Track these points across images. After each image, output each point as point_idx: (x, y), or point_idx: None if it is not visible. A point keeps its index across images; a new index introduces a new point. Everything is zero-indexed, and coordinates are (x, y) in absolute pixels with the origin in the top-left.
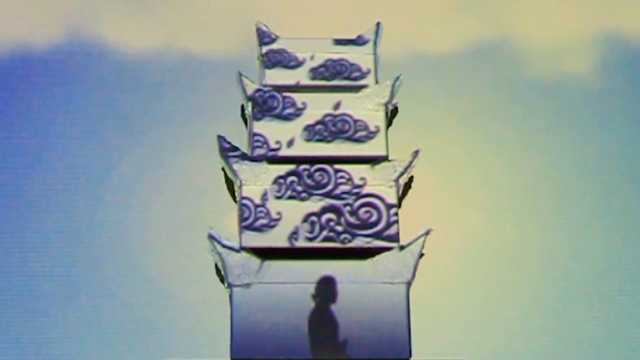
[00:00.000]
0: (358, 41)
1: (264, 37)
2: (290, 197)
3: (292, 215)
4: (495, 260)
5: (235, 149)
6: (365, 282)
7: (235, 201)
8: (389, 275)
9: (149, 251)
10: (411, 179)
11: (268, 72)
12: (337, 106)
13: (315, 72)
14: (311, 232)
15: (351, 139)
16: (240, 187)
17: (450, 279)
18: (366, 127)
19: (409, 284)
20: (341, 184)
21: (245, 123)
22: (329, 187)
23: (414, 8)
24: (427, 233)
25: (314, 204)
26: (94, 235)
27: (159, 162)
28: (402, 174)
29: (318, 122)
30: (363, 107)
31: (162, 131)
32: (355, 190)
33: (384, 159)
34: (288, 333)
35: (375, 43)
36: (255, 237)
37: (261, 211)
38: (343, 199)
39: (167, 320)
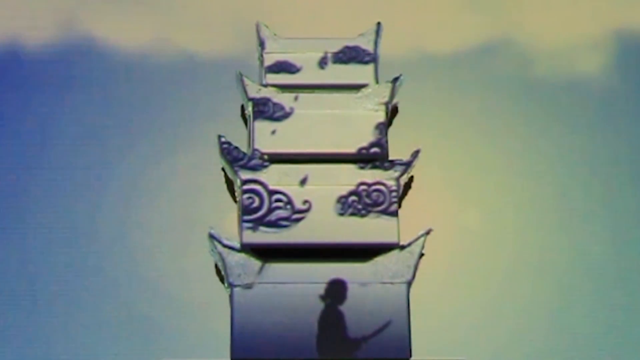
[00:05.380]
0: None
1: (264, 37)
2: None
3: None
4: (495, 260)
5: (235, 148)
6: (365, 282)
7: (235, 201)
8: (389, 275)
9: (149, 251)
10: (411, 179)
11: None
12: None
13: None
14: None
15: None
16: (240, 186)
17: (450, 279)
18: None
19: (409, 284)
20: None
21: (245, 123)
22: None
23: (416, 7)
24: (427, 233)
25: None
26: (94, 236)
27: (159, 162)
28: (402, 174)
29: None
30: (363, 107)
31: (162, 131)
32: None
33: (384, 158)
34: (288, 333)
35: (375, 43)
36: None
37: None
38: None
39: (167, 320)
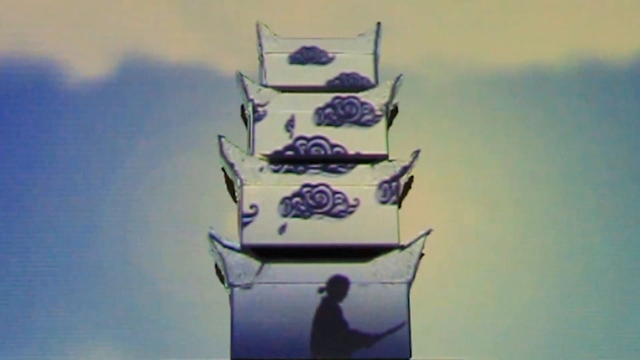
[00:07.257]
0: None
1: (263, 37)
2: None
3: None
4: (495, 260)
5: (235, 148)
6: (366, 282)
7: (235, 201)
8: (389, 275)
9: (149, 251)
10: (411, 179)
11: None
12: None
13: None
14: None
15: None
16: (240, 187)
17: (450, 279)
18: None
19: (409, 284)
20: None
21: (245, 123)
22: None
23: (416, 7)
24: (427, 233)
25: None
26: (94, 235)
27: (159, 163)
28: (402, 174)
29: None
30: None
31: (162, 131)
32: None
33: (384, 158)
34: (288, 333)
35: (375, 43)
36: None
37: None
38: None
39: (167, 320)
